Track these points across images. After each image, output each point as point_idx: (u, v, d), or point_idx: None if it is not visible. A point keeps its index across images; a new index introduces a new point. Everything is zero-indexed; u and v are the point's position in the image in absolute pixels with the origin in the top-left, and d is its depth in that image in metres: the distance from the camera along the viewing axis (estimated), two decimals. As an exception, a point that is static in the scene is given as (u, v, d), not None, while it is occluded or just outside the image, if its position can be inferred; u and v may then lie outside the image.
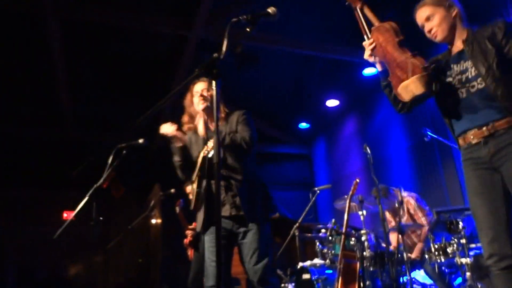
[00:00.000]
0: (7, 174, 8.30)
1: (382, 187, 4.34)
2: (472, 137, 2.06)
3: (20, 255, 8.72)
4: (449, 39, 2.18)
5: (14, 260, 8.65)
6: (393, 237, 4.37)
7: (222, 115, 2.87)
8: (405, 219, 4.49)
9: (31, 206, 9.09)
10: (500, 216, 1.99)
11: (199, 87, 2.76)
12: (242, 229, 2.58)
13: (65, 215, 9.13)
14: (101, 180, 3.32)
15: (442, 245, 3.65)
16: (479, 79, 2.03)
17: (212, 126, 2.86)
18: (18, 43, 5.81)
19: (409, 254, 4.25)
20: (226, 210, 2.62)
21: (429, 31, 2.17)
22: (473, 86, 2.05)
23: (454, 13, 2.14)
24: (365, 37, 2.19)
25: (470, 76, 2.07)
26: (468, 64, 2.07)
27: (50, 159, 8.24)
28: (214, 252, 2.58)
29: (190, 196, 4.98)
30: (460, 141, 2.14)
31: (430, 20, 2.16)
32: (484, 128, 2.01)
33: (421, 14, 2.20)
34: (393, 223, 4.59)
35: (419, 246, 4.33)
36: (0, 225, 8.83)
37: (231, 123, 2.87)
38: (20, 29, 5.51)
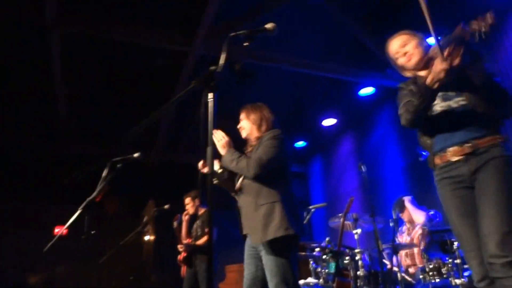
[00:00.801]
0: (0, 187, 8.23)
1: (397, 201, 4.42)
2: (451, 154, 2.03)
3: (11, 269, 8.58)
4: (421, 66, 2.24)
5: (4, 274, 8.50)
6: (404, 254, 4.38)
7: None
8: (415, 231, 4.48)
9: (23, 220, 8.98)
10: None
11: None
12: None
13: (56, 230, 9.02)
14: (95, 193, 3.29)
15: (436, 265, 3.63)
16: (461, 97, 2.05)
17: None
18: (17, 55, 5.83)
19: (408, 271, 4.22)
20: None
21: (405, 54, 2.25)
22: (456, 102, 2.06)
23: (423, 45, 2.26)
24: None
25: (452, 93, 2.09)
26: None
27: (44, 172, 8.18)
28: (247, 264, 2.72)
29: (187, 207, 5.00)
30: (437, 160, 2.11)
31: (406, 45, 2.26)
32: (465, 145, 2.00)
33: (397, 42, 2.30)
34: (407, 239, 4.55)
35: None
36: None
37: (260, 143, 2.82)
38: (20, 41, 5.54)
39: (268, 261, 2.54)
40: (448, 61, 1.88)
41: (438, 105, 2.10)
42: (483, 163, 1.96)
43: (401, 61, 2.28)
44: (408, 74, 2.33)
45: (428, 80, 1.97)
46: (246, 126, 3.00)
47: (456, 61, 1.86)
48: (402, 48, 2.26)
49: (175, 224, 5.40)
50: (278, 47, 5.64)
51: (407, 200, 4.59)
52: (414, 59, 2.22)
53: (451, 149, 2.03)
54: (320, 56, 5.97)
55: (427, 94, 2.01)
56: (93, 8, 5.09)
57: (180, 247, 5.10)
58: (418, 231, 4.47)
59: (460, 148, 2.00)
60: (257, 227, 2.56)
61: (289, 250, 2.53)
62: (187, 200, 5.36)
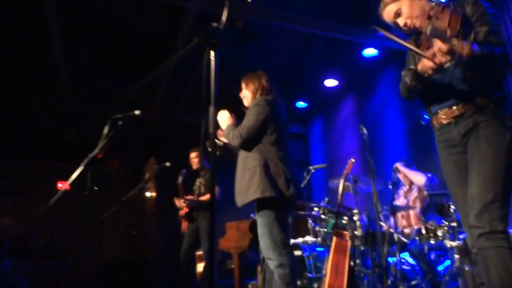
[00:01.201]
0: (1, 145, 8.26)
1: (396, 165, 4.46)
2: (443, 116, 2.01)
3: (15, 225, 8.77)
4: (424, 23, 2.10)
5: (9, 230, 8.70)
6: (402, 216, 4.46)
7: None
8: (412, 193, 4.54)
9: (25, 177, 9.09)
10: None
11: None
12: None
13: (59, 185, 9.14)
14: (96, 150, 3.30)
15: (432, 227, 3.70)
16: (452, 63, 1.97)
17: None
18: (13, 14, 5.69)
19: (404, 232, 4.31)
20: None
21: (405, 25, 2.11)
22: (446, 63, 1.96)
23: None
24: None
25: None
26: None
27: (45, 130, 8.19)
28: None
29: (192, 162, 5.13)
30: (434, 122, 2.09)
31: (401, 15, 2.10)
32: (455, 108, 1.96)
33: (388, 13, 2.15)
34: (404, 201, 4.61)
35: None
36: (-4, 194, 8.87)
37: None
38: (15, 3, 5.39)
39: (257, 223, 2.76)
40: (437, 61, 1.79)
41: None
42: (472, 126, 1.91)
43: (404, 29, 2.15)
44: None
45: (419, 68, 1.93)
46: (247, 95, 3.18)
47: (466, 50, 1.71)
48: (398, 19, 2.11)
49: (180, 179, 5.46)
50: (279, 5, 5.48)
51: (399, 166, 4.62)
52: (417, 26, 2.08)
53: (442, 111, 2.01)
54: (323, 15, 5.81)
55: (419, 78, 1.99)
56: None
57: (182, 202, 5.17)
58: (414, 194, 4.52)
59: (450, 111, 1.98)
60: (241, 191, 2.78)
61: (271, 211, 2.68)
62: (194, 154, 5.38)
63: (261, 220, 2.72)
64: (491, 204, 1.75)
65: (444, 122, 2.01)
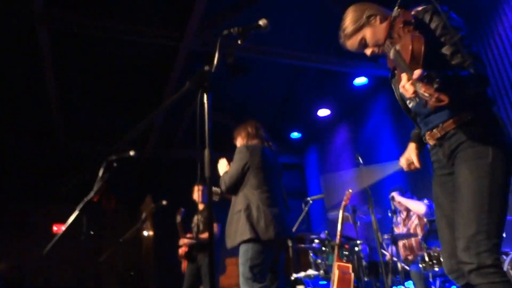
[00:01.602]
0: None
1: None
2: (429, 138, 1.93)
3: (10, 270, 8.55)
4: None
5: (3, 274, 8.48)
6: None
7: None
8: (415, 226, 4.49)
9: (21, 220, 8.95)
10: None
11: None
12: None
13: (55, 228, 9.00)
14: (92, 193, 3.28)
15: (435, 254, 3.65)
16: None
17: None
18: (7, 53, 5.76)
19: (408, 260, 4.25)
20: None
21: (372, 53, 2.02)
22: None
23: (377, 21, 1.97)
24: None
25: None
26: None
27: (39, 172, 8.14)
28: None
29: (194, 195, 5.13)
30: (426, 142, 2.03)
31: (367, 45, 2.00)
32: (435, 131, 1.88)
33: (352, 44, 2.04)
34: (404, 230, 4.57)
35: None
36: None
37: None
38: (9, 39, 5.47)
39: None
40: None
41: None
42: (455, 147, 1.81)
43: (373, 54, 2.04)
44: None
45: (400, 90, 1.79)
46: (237, 145, 3.39)
47: (432, 101, 1.52)
48: (364, 49, 2.01)
49: (178, 218, 5.39)
50: (269, 40, 5.61)
51: (395, 196, 4.58)
52: (383, 50, 1.93)
53: (427, 134, 1.94)
54: (312, 48, 5.95)
55: (402, 100, 1.97)
56: (81, 4, 5.03)
57: (181, 242, 5.08)
58: (414, 221, 4.49)
59: (432, 133, 1.90)
60: (230, 234, 3.02)
61: (247, 251, 2.89)
62: (198, 187, 5.31)
63: (240, 259, 2.94)
64: (475, 237, 1.63)
65: (431, 143, 1.94)
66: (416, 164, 2.09)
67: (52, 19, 4.95)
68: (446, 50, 1.75)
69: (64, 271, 8.64)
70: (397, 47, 1.70)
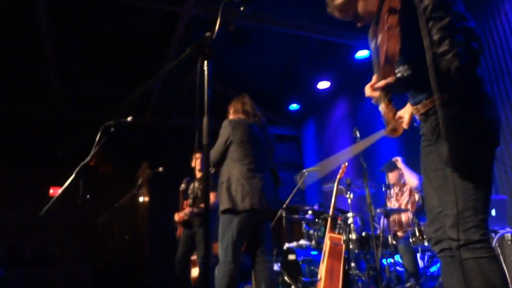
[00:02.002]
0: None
1: (388, 162, 4.48)
2: (416, 113, 1.94)
3: (9, 233, 8.68)
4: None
5: (3, 238, 8.61)
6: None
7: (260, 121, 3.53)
8: (406, 202, 4.55)
9: (18, 184, 9.01)
10: (439, 197, 1.86)
11: None
12: None
13: (51, 191, 9.08)
14: (89, 158, 3.29)
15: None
16: (405, 66, 1.89)
17: None
18: (4, 20, 5.65)
19: (398, 233, 4.32)
20: None
21: (362, 25, 2.00)
22: (404, 69, 1.89)
23: None
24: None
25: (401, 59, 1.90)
26: None
27: (37, 136, 8.13)
28: None
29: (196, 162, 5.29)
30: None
31: (355, 14, 1.96)
32: (419, 106, 1.88)
33: (342, 14, 2.02)
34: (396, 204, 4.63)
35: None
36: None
37: (271, 137, 3.61)
38: (6, 6, 5.35)
39: None
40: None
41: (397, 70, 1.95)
42: (436, 123, 1.80)
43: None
44: None
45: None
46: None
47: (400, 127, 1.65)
48: (353, 19, 1.98)
49: (183, 185, 5.44)
50: (272, 9, 5.50)
51: (400, 161, 4.64)
52: (373, 19, 1.89)
53: (414, 108, 1.95)
54: (314, 18, 5.85)
55: None
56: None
57: (182, 213, 5.11)
58: (405, 198, 4.54)
59: (416, 108, 1.91)
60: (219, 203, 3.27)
61: (224, 221, 3.18)
62: (196, 155, 5.32)
63: (219, 228, 3.22)
64: (462, 214, 1.66)
65: (418, 118, 1.96)
66: (405, 124, 2.07)
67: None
68: (433, 36, 1.70)
69: (61, 233, 8.78)
70: (378, 40, 1.69)
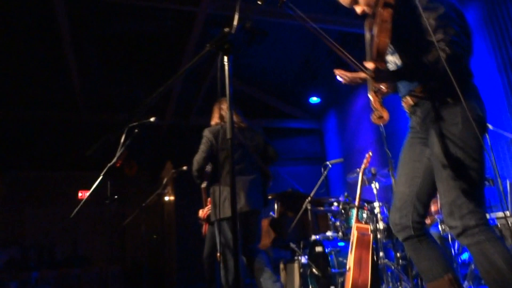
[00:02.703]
0: (24, 157, 8.45)
1: None
2: (404, 106, 1.99)
3: (40, 235, 8.94)
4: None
5: (34, 240, 8.88)
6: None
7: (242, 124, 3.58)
8: None
9: (48, 187, 9.27)
10: (413, 186, 1.93)
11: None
12: None
13: (80, 194, 9.29)
14: (114, 159, 3.37)
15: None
16: (396, 56, 1.93)
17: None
18: (27, 25, 5.79)
19: (426, 221, 4.26)
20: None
21: (362, 12, 2.06)
22: (396, 58, 1.93)
23: None
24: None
25: (392, 50, 1.95)
26: None
27: (64, 141, 8.34)
28: None
29: None
30: None
31: (358, 2, 2.02)
32: (409, 98, 1.93)
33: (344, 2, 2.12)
34: None
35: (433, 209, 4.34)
36: (20, 207, 9.06)
37: (258, 138, 3.60)
38: (28, 10, 5.49)
39: None
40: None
41: (389, 58, 2.00)
42: (425, 114, 1.85)
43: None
44: None
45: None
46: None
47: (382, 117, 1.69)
48: (355, 5, 2.05)
49: (204, 183, 5.48)
50: (290, 2, 5.48)
51: None
52: (370, 11, 1.97)
53: (403, 101, 2.00)
54: (333, 10, 5.80)
55: None
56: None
57: (206, 210, 5.16)
58: None
59: (406, 100, 1.96)
60: None
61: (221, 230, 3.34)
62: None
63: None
64: (456, 201, 1.68)
65: (407, 111, 1.99)
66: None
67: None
68: (430, 22, 1.74)
69: (90, 234, 8.99)
70: (374, 32, 1.74)
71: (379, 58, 1.66)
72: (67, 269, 8.13)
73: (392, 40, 1.70)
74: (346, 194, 4.35)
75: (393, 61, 1.96)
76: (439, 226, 3.78)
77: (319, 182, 4.67)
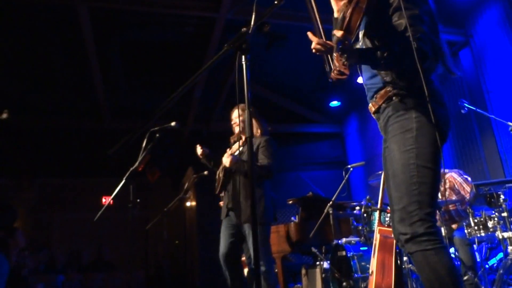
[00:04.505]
0: (51, 165, 8.67)
1: None
2: (370, 112, 1.98)
3: (67, 240, 9.13)
4: None
5: (62, 244, 9.07)
6: None
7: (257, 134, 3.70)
8: (447, 195, 4.36)
9: (74, 194, 9.47)
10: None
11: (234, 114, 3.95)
12: None
13: (104, 200, 9.45)
14: (137, 164, 3.42)
15: (482, 219, 3.55)
16: (363, 43, 1.91)
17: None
18: (52, 36, 5.95)
19: (452, 225, 4.16)
20: None
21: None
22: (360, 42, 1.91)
23: None
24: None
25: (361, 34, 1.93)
26: None
27: (89, 148, 8.51)
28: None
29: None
30: None
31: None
32: (372, 102, 1.93)
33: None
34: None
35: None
36: (47, 213, 9.29)
37: (254, 144, 3.57)
38: (52, 20, 5.64)
39: None
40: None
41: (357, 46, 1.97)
42: (386, 121, 1.85)
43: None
44: None
45: None
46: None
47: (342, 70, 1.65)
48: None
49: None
50: (305, 6, 5.47)
51: (454, 173, 4.34)
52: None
53: (369, 107, 1.98)
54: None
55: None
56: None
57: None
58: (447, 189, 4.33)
59: (370, 105, 1.95)
60: None
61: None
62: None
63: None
64: (407, 208, 1.68)
65: (374, 116, 1.98)
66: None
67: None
68: (400, 21, 1.74)
69: (115, 239, 9.11)
70: (347, 13, 1.71)
71: (348, 31, 1.63)
72: (92, 273, 8.26)
73: (365, 23, 1.76)
74: (368, 197, 4.29)
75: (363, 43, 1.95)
76: (465, 230, 3.69)
77: (340, 186, 4.62)
